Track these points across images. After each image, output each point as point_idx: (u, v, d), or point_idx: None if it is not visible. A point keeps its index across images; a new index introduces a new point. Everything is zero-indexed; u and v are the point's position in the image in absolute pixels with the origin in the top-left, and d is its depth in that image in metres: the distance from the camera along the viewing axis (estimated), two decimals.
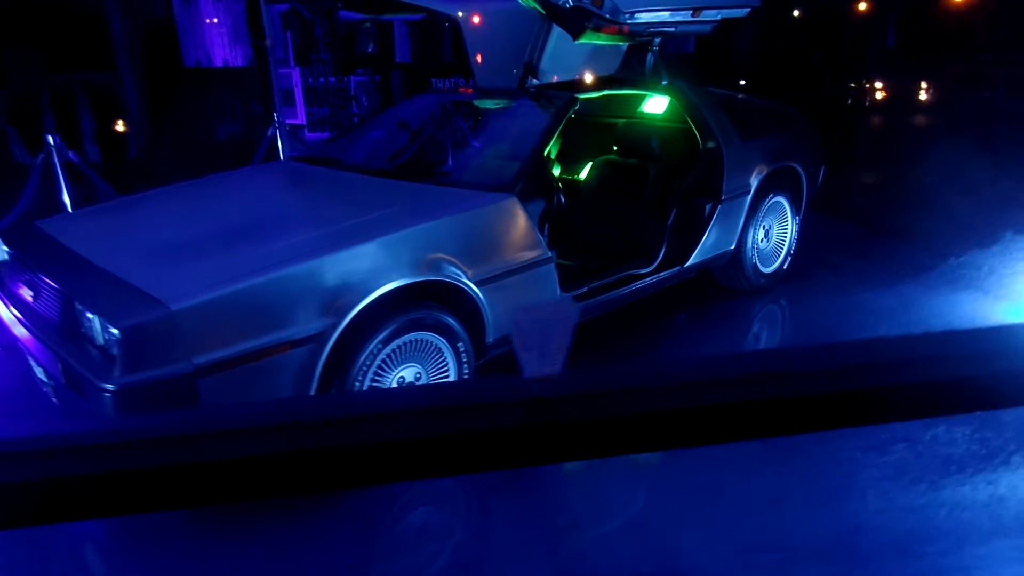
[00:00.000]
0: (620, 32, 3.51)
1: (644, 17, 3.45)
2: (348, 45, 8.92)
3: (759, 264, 4.34)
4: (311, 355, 2.43)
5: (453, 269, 2.75)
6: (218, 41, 10.41)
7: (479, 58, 3.88)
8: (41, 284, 2.62)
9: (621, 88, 3.99)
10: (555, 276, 3.14)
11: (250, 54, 9.87)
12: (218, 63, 10.37)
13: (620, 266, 3.66)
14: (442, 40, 7.63)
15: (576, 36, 3.47)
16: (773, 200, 4.32)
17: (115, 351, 2.16)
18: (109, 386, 2.13)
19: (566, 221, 4.25)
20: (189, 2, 10.15)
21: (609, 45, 3.95)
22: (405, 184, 3.20)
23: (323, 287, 2.47)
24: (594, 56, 4.15)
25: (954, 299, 4.29)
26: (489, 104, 4.06)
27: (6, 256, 3.05)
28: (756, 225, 4.25)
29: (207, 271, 2.40)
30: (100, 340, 2.25)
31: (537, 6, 3.46)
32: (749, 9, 3.92)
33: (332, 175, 3.49)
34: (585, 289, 3.41)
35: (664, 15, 3.54)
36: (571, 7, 3.27)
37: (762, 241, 4.36)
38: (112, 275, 2.44)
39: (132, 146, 9.42)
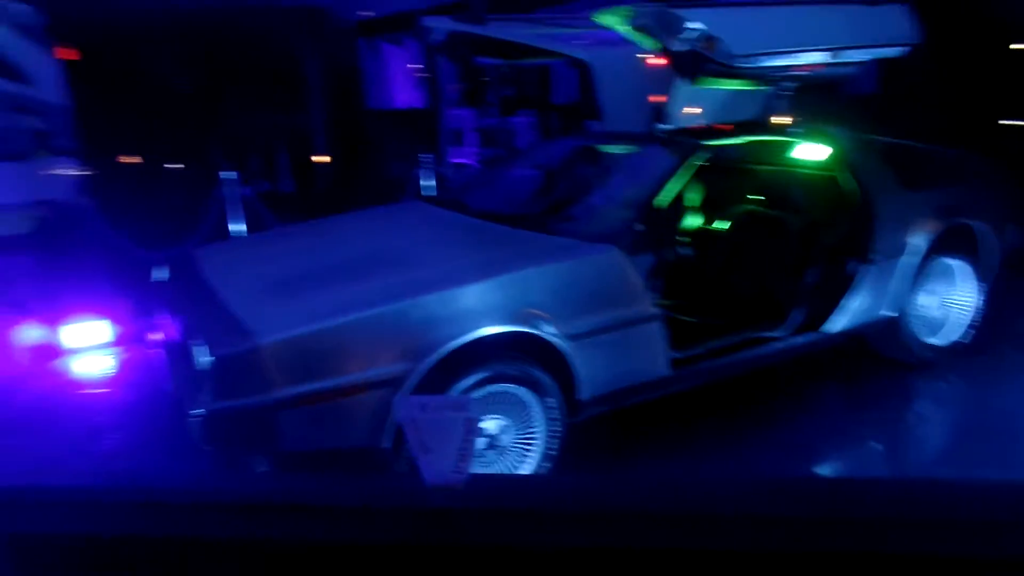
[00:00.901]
0: (741, 76, 3.25)
1: (765, 61, 3.17)
2: (514, 87, 9.20)
3: (926, 335, 3.77)
4: (389, 398, 2.42)
5: (541, 321, 2.64)
6: (400, 85, 11.24)
7: (677, 98, 3.75)
8: (176, 306, 2.88)
9: (759, 134, 3.69)
10: (661, 334, 2.92)
11: (426, 96, 10.53)
12: (399, 105, 11.18)
13: (747, 327, 3.34)
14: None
15: (691, 80, 3.26)
16: (944, 262, 3.75)
17: (206, 378, 2.29)
18: (197, 411, 2.26)
19: (693, 275, 3.99)
20: (376, 50, 11.08)
21: (748, 89, 3.67)
22: (512, 231, 3.16)
23: (407, 331, 2.47)
24: (736, 100, 3.89)
25: None
26: (615, 149, 3.93)
27: (166, 277, 3.40)
28: (921, 290, 3.71)
29: (302, 306, 2.50)
30: (198, 366, 2.41)
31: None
32: (905, 49, 3.48)
33: (446, 217, 3.53)
34: (702, 350, 3.15)
35: (788, 59, 3.23)
36: (685, 51, 3.08)
37: (933, 309, 3.79)
38: (224, 305, 2.62)
39: (317, 180, 10.36)
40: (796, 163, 4.10)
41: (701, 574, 0.83)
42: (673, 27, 3.15)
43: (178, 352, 2.67)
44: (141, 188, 7.12)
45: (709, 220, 4.39)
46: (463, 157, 10.14)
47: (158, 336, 2.96)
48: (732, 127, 3.79)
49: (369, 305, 2.47)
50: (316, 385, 2.33)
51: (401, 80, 11.18)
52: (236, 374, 2.30)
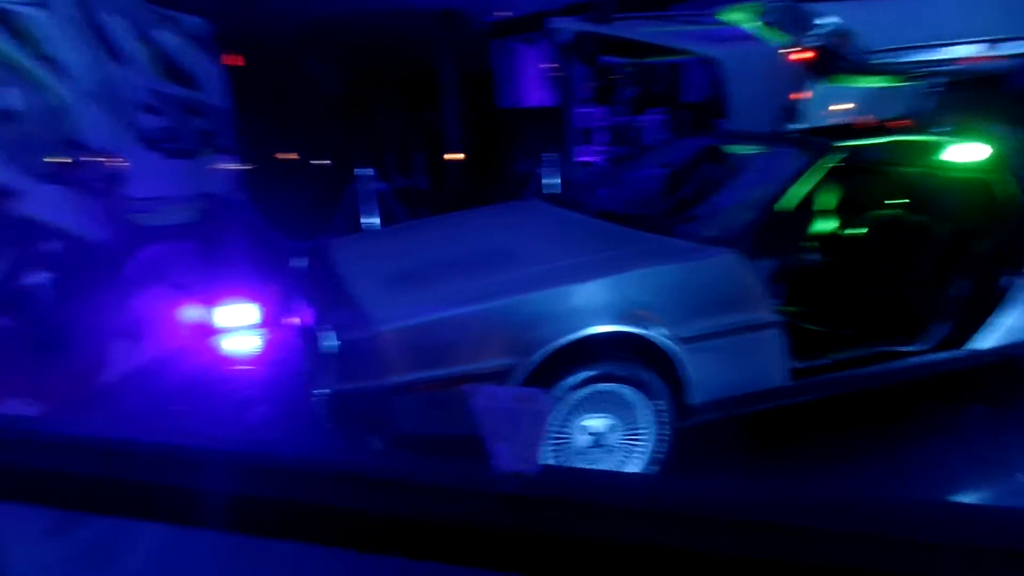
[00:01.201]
0: (880, 72, 3.04)
1: (908, 56, 2.95)
2: (643, 85, 9.07)
3: None
4: None
5: (653, 322, 2.62)
6: (531, 84, 11.41)
7: (809, 96, 3.62)
8: (310, 293, 3.13)
9: (902, 134, 3.44)
10: (781, 342, 2.81)
11: (557, 95, 10.62)
12: (529, 104, 11.35)
13: (881, 340, 3.15)
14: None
15: (821, 78, 3.09)
16: None
17: (331, 361, 2.48)
18: (318, 391, 2.45)
19: (823, 282, 3.79)
20: (508, 51, 11.30)
21: (890, 86, 3.43)
22: (629, 231, 3.15)
23: (517, 326, 2.54)
24: (876, 97, 3.65)
25: None
26: (741, 149, 3.81)
27: (304, 265, 3.69)
28: None
29: (420, 298, 2.64)
30: (324, 349, 2.60)
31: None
32: None
33: (563, 215, 3.58)
34: (827, 361, 3.00)
35: (931, 53, 2.98)
36: (816, 47, 2.92)
37: None
38: (351, 293, 2.81)
39: (450, 177, 10.74)
40: (945, 165, 3.79)
41: None
42: (803, 22, 3.01)
43: (309, 335, 2.90)
44: (290, 183, 7.72)
45: (844, 224, 4.15)
46: (590, 155, 10.14)
47: (293, 320, 3.22)
48: (871, 126, 3.57)
49: (482, 299, 2.57)
50: (429, 373, 2.46)
51: (532, 79, 11.33)
52: (357, 359, 2.47)
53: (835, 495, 0.91)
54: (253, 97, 6.42)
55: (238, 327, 3.61)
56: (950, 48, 3.10)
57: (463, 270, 2.86)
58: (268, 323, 3.67)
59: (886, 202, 3.84)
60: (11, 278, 3.00)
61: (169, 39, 4.38)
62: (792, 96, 3.53)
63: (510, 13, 10.51)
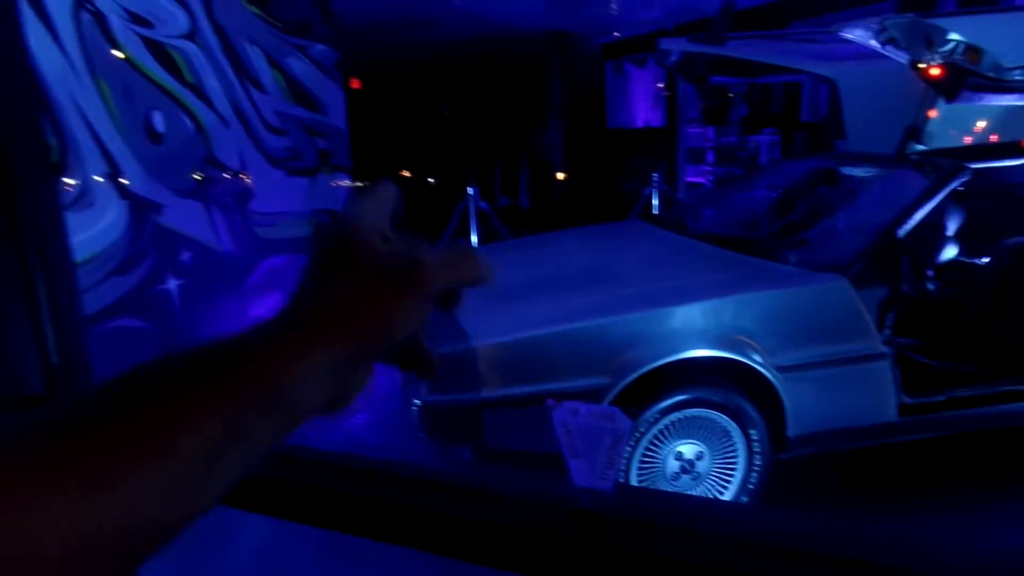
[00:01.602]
0: (1014, 90, 2.82)
1: None
2: (757, 105, 8.83)
3: None
4: None
5: (751, 349, 2.55)
6: (641, 104, 11.36)
7: (934, 115, 3.46)
8: None
9: None
10: (889, 375, 2.66)
11: (666, 116, 10.53)
12: (639, 124, 11.31)
13: (1005, 378, 2.90)
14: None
15: (950, 98, 2.90)
16: None
17: None
18: (417, 401, 2.55)
19: (945, 313, 3.54)
20: (619, 71, 11.32)
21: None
22: (733, 254, 3.08)
23: (610, 346, 2.55)
24: (1010, 117, 3.39)
25: None
26: (859, 172, 3.63)
27: None
28: None
29: (516, 315, 2.69)
30: None
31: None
32: None
33: (665, 237, 3.54)
34: (942, 398, 2.81)
35: None
36: (938, 64, 2.75)
37: None
38: None
39: (555, 197, 10.85)
40: None
41: None
42: (929, 39, 2.85)
43: None
44: (401, 199, 8.06)
45: (971, 252, 3.86)
46: (699, 176, 9.96)
47: None
48: (1004, 147, 3.32)
49: (577, 318, 2.59)
50: (520, 389, 2.50)
51: (641, 100, 11.30)
52: (452, 372, 2.55)
53: (913, 533, 0.88)
54: (370, 118, 6.78)
55: None
56: None
57: (561, 289, 2.89)
58: None
59: (1018, 228, 3.54)
60: (147, 284, 3.33)
61: (297, 66, 4.72)
62: (917, 116, 3.35)
63: (621, 35, 10.55)
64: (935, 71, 2.91)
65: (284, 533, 1.19)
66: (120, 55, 3.24)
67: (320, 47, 5.06)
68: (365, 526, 1.09)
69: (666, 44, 4.43)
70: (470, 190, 5.89)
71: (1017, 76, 2.75)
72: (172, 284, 3.43)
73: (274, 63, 4.40)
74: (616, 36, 10.67)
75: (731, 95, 9.06)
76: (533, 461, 2.55)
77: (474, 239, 5.91)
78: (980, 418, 2.80)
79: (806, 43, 4.22)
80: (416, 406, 2.55)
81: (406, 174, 9.87)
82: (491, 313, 2.76)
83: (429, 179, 10.11)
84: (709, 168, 9.98)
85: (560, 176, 10.40)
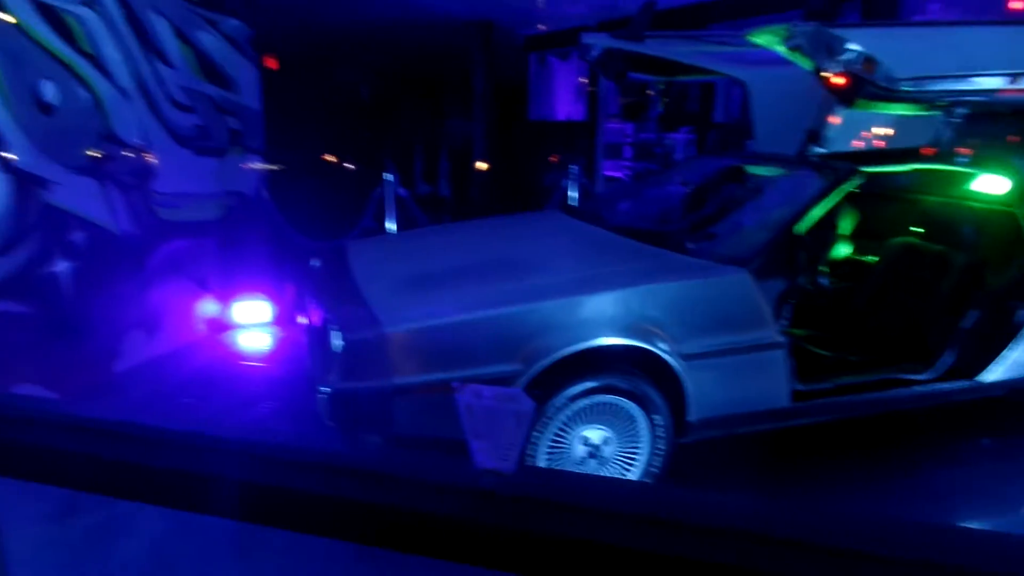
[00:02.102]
0: (905, 100, 3.03)
1: (932, 85, 2.93)
2: (673, 103, 9.09)
3: None
4: None
5: (657, 337, 2.64)
6: (563, 98, 11.48)
7: (835, 121, 3.62)
8: (319, 295, 3.19)
9: (925, 162, 3.42)
10: (784, 364, 2.81)
11: (587, 110, 10.68)
12: (560, 117, 11.43)
13: (886, 367, 3.12)
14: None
15: (847, 104, 3.08)
16: None
17: (336, 360, 2.53)
18: (325, 388, 2.50)
19: (835, 306, 3.77)
20: (543, 64, 11.39)
21: (916, 115, 3.41)
22: (643, 246, 3.17)
23: (522, 334, 2.58)
24: (902, 125, 3.63)
25: None
26: (764, 171, 3.80)
27: (320, 265, 3.76)
28: None
29: (429, 302, 2.68)
30: (331, 348, 2.66)
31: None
32: None
33: (581, 228, 3.61)
34: (831, 385, 2.98)
35: (959, 83, 2.95)
36: (839, 72, 2.92)
37: None
38: (363, 296, 2.87)
39: (474, 186, 10.83)
40: (968, 196, 3.76)
41: None
42: (830, 48, 3.01)
43: (318, 334, 2.96)
44: (318, 185, 7.86)
45: (860, 250, 4.12)
46: (617, 170, 10.17)
47: (304, 319, 3.29)
48: (895, 154, 3.55)
49: (490, 306, 2.61)
50: (432, 376, 2.50)
51: (563, 93, 11.41)
52: (361, 359, 2.52)
53: (812, 509, 0.93)
54: (285, 99, 6.57)
55: (252, 324, 3.70)
56: (977, 79, 3.08)
57: (475, 276, 2.90)
58: (282, 321, 3.74)
59: (904, 229, 3.81)
60: (34, 265, 3.12)
61: (208, 40, 4.51)
62: (817, 120, 3.53)
63: (546, 28, 10.61)
64: (835, 79, 3.08)
65: (184, 525, 1.15)
66: (7, 19, 3.01)
67: (233, 22, 4.85)
68: (269, 515, 1.06)
69: (588, 39, 4.49)
70: (388, 177, 5.80)
71: (907, 87, 2.94)
72: (61, 267, 3.22)
73: (181, 36, 4.19)
74: (541, 29, 10.73)
75: (650, 93, 9.29)
76: (445, 448, 2.56)
77: (391, 226, 5.84)
78: (864, 403, 3.00)
79: (721, 46, 4.36)
80: (324, 394, 2.50)
81: (323, 159, 9.63)
82: (404, 299, 2.75)
83: (347, 164, 9.90)
84: (627, 163, 10.20)
85: (481, 166, 10.39)
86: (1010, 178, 3.32)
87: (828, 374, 2.97)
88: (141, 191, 3.78)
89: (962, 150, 3.37)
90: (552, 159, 9.69)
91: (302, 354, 3.23)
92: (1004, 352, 3.12)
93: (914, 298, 3.47)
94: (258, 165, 4.98)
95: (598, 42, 4.45)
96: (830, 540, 0.86)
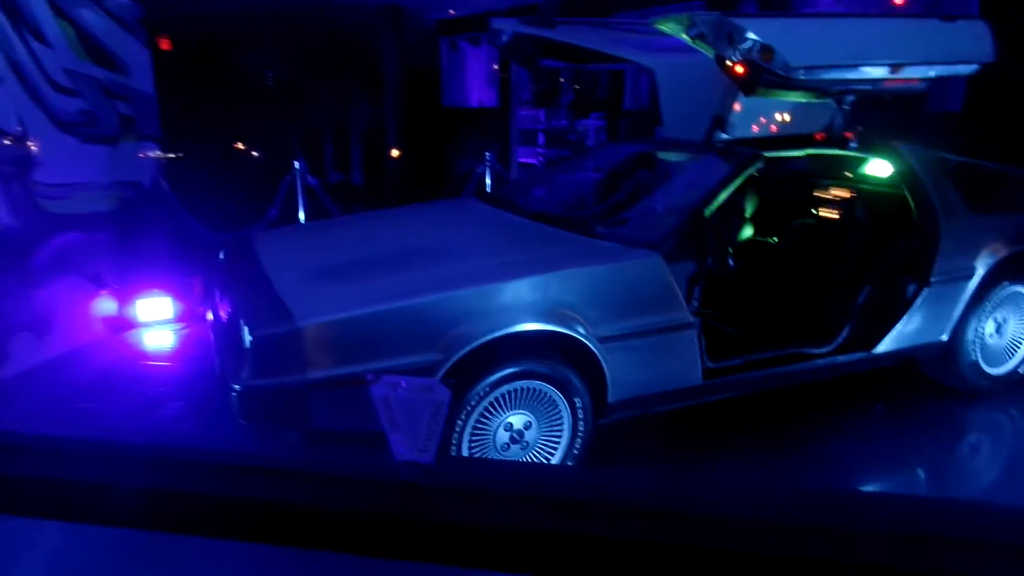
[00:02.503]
0: (800, 88, 3.18)
1: (823, 74, 3.09)
2: (584, 90, 9.22)
3: (982, 362, 3.60)
4: None
5: (575, 321, 2.67)
6: (476, 84, 11.42)
7: (737, 107, 3.72)
8: (227, 289, 3.05)
9: (821, 148, 3.60)
10: (696, 343, 2.90)
11: (500, 96, 10.66)
12: (473, 104, 11.37)
13: (790, 342, 3.28)
14: None
15: (747, 92, 3.21)
16: (1010, 289, 3.57)
17: (247, 356, 2.43)
18: (236, 386, 2.40)
19: (742, 286, 3.93)
20: (455, 49, 11.29)
21: (812, 102, 3.59)
22: (558, 232, 3.20)
23: (441, 322, 2.55)
24: (799, 112, 3.81)
25: None
26: (672, 157, 3.91)
27: (226, 258, 3.59)
28: (983, 316, 3.54)
29: (343, 294, 2.61)
30: (244, 344, 2.55)
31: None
32: (976, 67, 3.32)
33: (496, 215, 3.60)
34: (740, 361, 3.11)
35: (848, 72, 3.13)
36: (739, 60, 3.03)
37: (991, 336, 3.62)
38: (273, 289, 2.76)
39: (388, 174, 10.64)
40: (859, 178, 3.99)
41: (651, 567, 0.85)
42: (731, 37, 3.11)
43: (227, 331, 2.83)
44: (222, 174, 7.51)
45: (765, 232, 4.31)
46: (531, 157, 10.23)
47: (211, 315, 3.15)
48: (794, 139, 3.72)
49: (406, 295, 2.56)
50: (349, 369, 2.44)
51: (476, 79, 11.36)
52: (274, 354, 2.43)
53: (731, 483, 0.95)
54: (183, 83, 6.22)
55: (155, 321, 3.50)
56: (864, 68, 3.26)
57: (391, 266, 2.85)
58: (186, 318, 3.55)
59: (803, 211, 4.01)
60: None
61: (91, 18, 4.20)
62: (721, 107, 3.65)
63: (456, 12, 10.50)
64: (737, 67, 3.19)
65: (89, 539, 1.07)
66: None
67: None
68: (181, 522, 1.00)
69: (498, 24, 4.47)
70: (297, 164, 5.61)
71: (802, 75, 3.07)
72: None
73: (61, 13, 3.88)
74: (451, 14, 10.61)
75: (561, 79, 9.38)
76: (365, 442, 2.51)
77: (301, 216, 5.65)
78: (771, 378, 3.15)
79: (629, 33, 4.43)
80: (236, 391, 2.40)
81: (230, 147, 9.20)
82: (318, 291, 2.66)
83: (253, 153, 9.50)
84: (541, 150, 10.28)
85: (394, 153, 10.22)
86: (894, 162, 3.55)
87: (737, 351, 3.09)
88: (21, 182, 3.50)
89: (850, 135, 3.56)
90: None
91: (210, 352, 3.09)
92: (896, 324, 3.34)
93: (813, 276, 3.66)
94: (154, 153, 4.70)
95: (508, 28, 4.44)
96: (738, 512, 0.89)
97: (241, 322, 2.59)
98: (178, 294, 3.69)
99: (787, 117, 3.85)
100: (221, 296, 3.11)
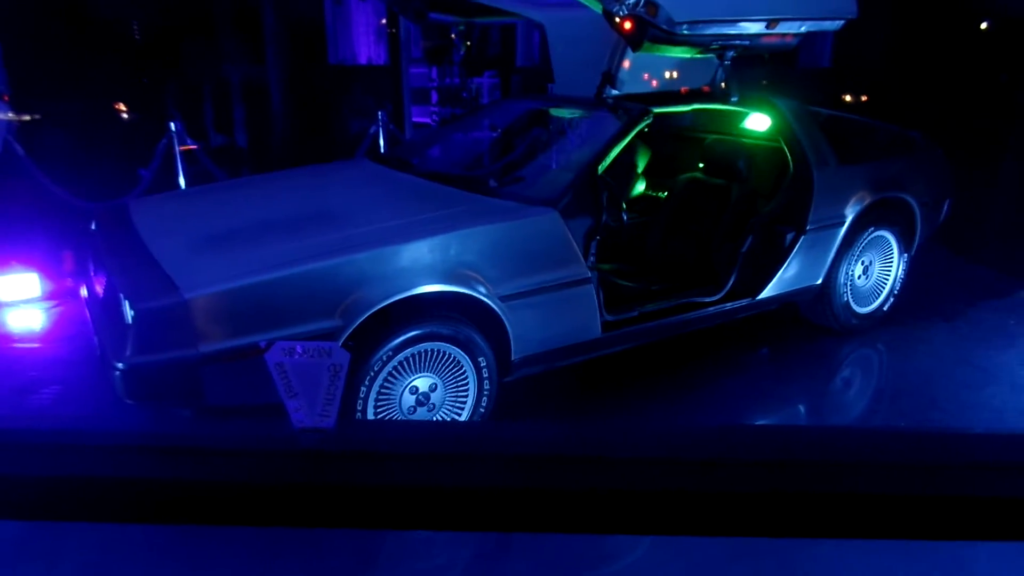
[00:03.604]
0: (684, 43, 3.27)
1: (705, 29, 3.19)
2: (475, 47, 9.08)
3: (852, 303, 3.91)
4: None
5: (476, 281, 2.68)
6: (364, 40, 11.00)
7: (627, 64, 3.73)
8: (102, 262, 2.84)
9: (707, 103, 3.73)
10: (594, 297, 2.98)
11: (389, 54, 10.32)
12: (362, 61, 10.96)
13: (683, 292, 3.42)
14: None
15: (635, 47, 3.27)
16: (875, 234, 3.87)
17: (129, 332, 2.28)
18: (119, 364, 2.25)
19: (636, 240, 4.06)
20: (339, 3, 10.79)
21: (696, 57, 3.70)
22: (454, 192, 3.17)
23: (339, 287, 2.49)
24: (690, 68, 3.91)
25: None
26: (565, 113, 3.94)
27: (100, 229, 3.33)
28: (851, 260, 3.83)
29: (233, 262, 2.49)
30: (126, 320, 2.39)
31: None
32: (842, 22, 3.52)
33: (391, 176, 3.52)
34: (636, 313, 3.22)
35: (728, 28, 3.25)
36: (625, 16, 3.08)
37: (859, 278, 3.92)
38: (154, 259, 2.60)
39: (275, 135, 10.14)
40: (741, 132, 4.18)
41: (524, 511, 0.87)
42: None
43: (105, 306, 2.65)
44: (86, 137, 6.91)
45: (656, 186, 4.45)
46: (425, 116, 10.04)
47: (85, 290, 2.93)
48: (681, 95, 3.83)
49: (302, 261, 2.48)
50: (244, 340, 2.34)
51: (364, 36, 10.94)
52: (159, 328, 2.29)
53: (622, 426, 0.98)
54: (37, 38, 5.63)
55: (20, 300, 3.21)
56: (743, 24, 3.38)
57: (282, 232, 2.73)
58: (57, 295, 3.28)
59: (691, 165, 4.16)
60: None
61: None
62: (611, 63, 3.69)
63: None
64: (625, 23, 3.22)
65: None
66: None
67: None
68: (67, 509, 0.94)
69: None
70: (173, 126, 5.24)
71: (685, 31, 3.15)
72: None
73: None
74: None
75: (453, 36, 9.19)
76: (266, 414, 2.43)
77: (182, 182, 5.31)
78: (665, 327, 3.29)
79: None
80: (119, 370, 2.26)
81: (98, 107, 8.45)
82: (205, 260, 2.53)
83: (123, 113, 8.80)
84: (435, 108, 10.11)
85: (281, 113, 9.73)
86: (772, 116, 3.73)
87: (633, 304, 3.20)
88: None
89: (733, 90, 3.71)
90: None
91: (87, 330, 2.88)
92: (777, 271, 3.55)
93: (701, 228, 3.82)
94: (5, 115, 4.25)
95: None
96: (628, 452, 0.92)
97: (121, 296, 2.42)
98: (46, 270, 3.39)
99: (675, 74, 3.96)
100: (96, 270, 2.89)
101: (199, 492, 0.89)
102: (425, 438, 1.01)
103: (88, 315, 2.92)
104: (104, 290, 2.72)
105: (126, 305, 2.35)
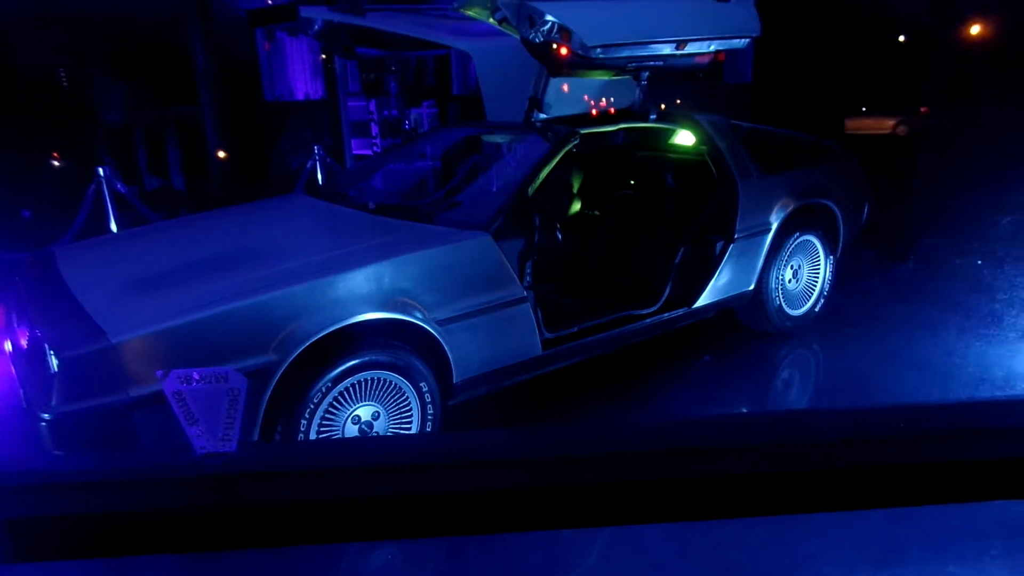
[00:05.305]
0: (599, 67, 3.39)
1: (619, 52, 3.31)
2: (412, 78, 9.16)
3: (784, 306, 4.05)
4: (254, 392, 2.42)
5: (412, 307, 2.69)
6: (301, 76, 10.98)
7: (565, 88, 3.80)
8: (25, 312, 2.76)
9: (630, 122, 3.85)
10: (531, 316, 3.03)
11: (326, 88, 10.33)
12: (299, 97, 10.92)
13: (620, 306, 3.50)
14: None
15: (554, 72, 3.37)
16: (801, 239, 4.03)
17: (55, 382, 2.22)
18: (45, 415, 2.19)
19: (573, 258, 4.14)
20: (272, 40, 10.76)
21: (615, 79, 3.82)
22: (390, 221, 3.19)
23: (273, 322, 2.47)
24: (613, 89, 4.03)
25: (1013, 351, 3.85)
26: (497, 139, 4.01)
27: (23, 277, 3.23)
28: (780, 265, 3.97)
29: (162, 304, 2.45)
30: (51, 369, 2.33)
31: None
32: (748, 40, 3.71)
33: (325, 208, 3.53)
34: (575, 329, 3.27)
35: (639, 50, 3.38)
36: (541, 42, 3.18)
37: (790, 282, 4.07)
38: (79, 306, 2.54)
39: (212, 176, 10.00)
40: (669, 148, 4.31)
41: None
42: (531, 19, 3.23)
43: (29, 358, 2.58)
44: (13, 186, 6.71)
45: (592, 205, 4.55)
46: (365, 148, 10.04)
47: (9, 345, 2.84)
48: (606, 116, 3.94)
49: (233, 298, 2.45)
50: None
51: (300, 71, 10.93)
52: (86, 376, 2.24)
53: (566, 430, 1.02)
54: None
55: None
56: (654, 46, 3.51)
57: (213, 270, 2.71)
58: None
59: (623, 183, 4.27)
60: None
61: None
62: (537, 88, 3.78)
63: (270, 1, 10.01)
64: (557, 50, 3.32)
65: None
66: None
67: None
68: None
69: (306, 12, 4.33)
70: (101, 171, 5.13)
71: (600, 54, 3.26)
72: None
73: None
74: (265, 2, 10.11)
75: (392, 68, 9.27)
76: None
77: (113, 227, 5.19)
78: (605, 341, 3.35)
79: (443, 19, 4.46)
80: (45, 420, 2.19)
81: (30, 154, 8.21)
82: (132, 304, 2.49)
83: (52, 161, 8.57)
84: (376, 140, 10.12)
85: (220, 154, 9.62)
86: (693, 131, 3.87)
87: (572, 320, 3.26)
88: None
89: (652, 108, 3.84)
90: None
91: (10, 380, 2.79)
92: (710, 280, 3.66)
93: (635, 243, 3.92)
94: None
95: (318, 16, 4.32)
96: (548, 452, 0.96)
97: (45, 347, 2.36)
98: None
99: (613, 98, 4.08)
100: (19, 321, 2.81)
101: (109, 525, 0.89)
102: (324, 455, 1.03)
103: (13, 370, 2.83)
104: (28, 342, 2.64)
105: (51, 355, 2.29)
